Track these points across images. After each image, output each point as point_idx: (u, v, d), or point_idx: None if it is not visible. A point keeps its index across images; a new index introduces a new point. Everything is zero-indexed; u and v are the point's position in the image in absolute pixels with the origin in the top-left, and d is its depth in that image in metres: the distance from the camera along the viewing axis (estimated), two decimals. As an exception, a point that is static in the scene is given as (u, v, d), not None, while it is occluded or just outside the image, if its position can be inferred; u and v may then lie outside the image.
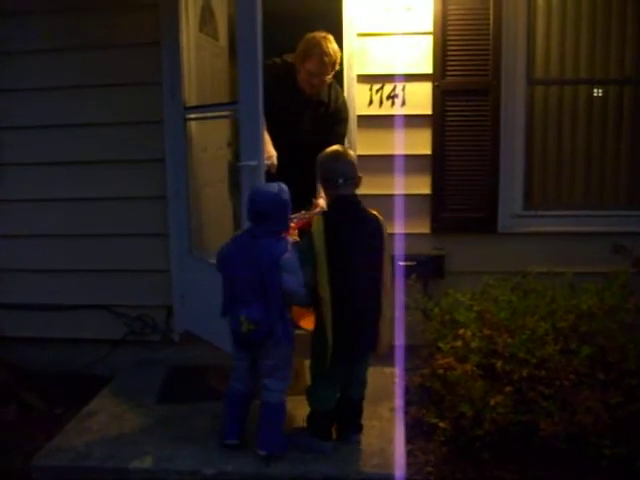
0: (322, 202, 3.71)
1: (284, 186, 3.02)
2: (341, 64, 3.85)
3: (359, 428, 3.27)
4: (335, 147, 3.21)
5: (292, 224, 3.30)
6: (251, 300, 2.96)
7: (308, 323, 3.17)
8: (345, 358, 3.03)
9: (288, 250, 2.96)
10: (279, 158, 3.49)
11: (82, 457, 3.19)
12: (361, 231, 3.04)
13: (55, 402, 3.95)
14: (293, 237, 3.29)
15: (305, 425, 3.23)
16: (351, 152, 3.23)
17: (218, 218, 3.88)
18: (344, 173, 3.04)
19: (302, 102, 3.78)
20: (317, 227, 2.94)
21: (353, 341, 3.03)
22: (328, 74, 3.70)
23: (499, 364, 3.23)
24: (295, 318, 3.21)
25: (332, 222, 2.97)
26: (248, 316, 2.94)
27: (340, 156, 3.12)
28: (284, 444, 3.12)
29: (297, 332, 3.16)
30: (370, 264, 3.03)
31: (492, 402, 3.10)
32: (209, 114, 3.90)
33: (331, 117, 3.82)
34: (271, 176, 3.40)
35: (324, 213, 3.09)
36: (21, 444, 3.46)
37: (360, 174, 3.11)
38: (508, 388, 3.17)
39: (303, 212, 3.54)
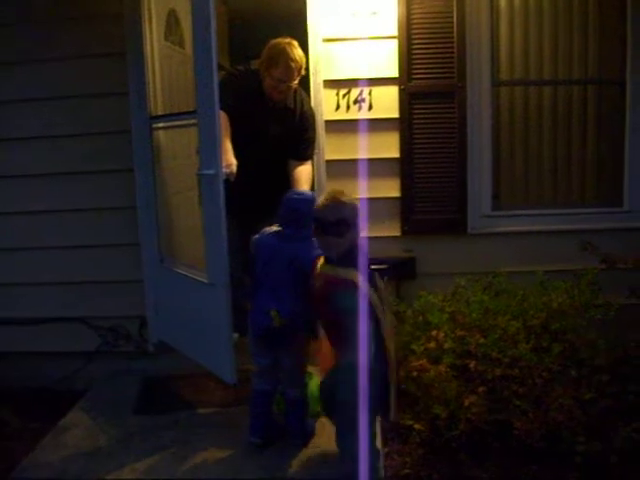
0: None
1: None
2: (307, 69, 3.86)
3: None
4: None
5: None
6: (284, 297, 3.02)
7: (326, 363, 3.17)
8: None
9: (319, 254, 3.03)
10: (247, 166, 3.49)
11: (59, 473, 3.15)
12: None
13: (29, 417, 3.91)
14: None
15: None
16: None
17: (189, 227, 3.86)
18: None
19: (268, 110, 3.78)
20: None
21: None
22: (294, 80, 3.70)
23: (472, 364, 3.25)
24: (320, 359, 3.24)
25: None
26: (280, 311, 2.99)
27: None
28: (312, 429, 3.31)
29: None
30: None
31: (466, 402, 3.12)
32: (175, 123, 3.89)
33: (298, 123, 3.82)
34: (237, 184, 3.40)
35: None
36: (-5, 461, 3.43)
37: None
38: (482, 388, 3.19)
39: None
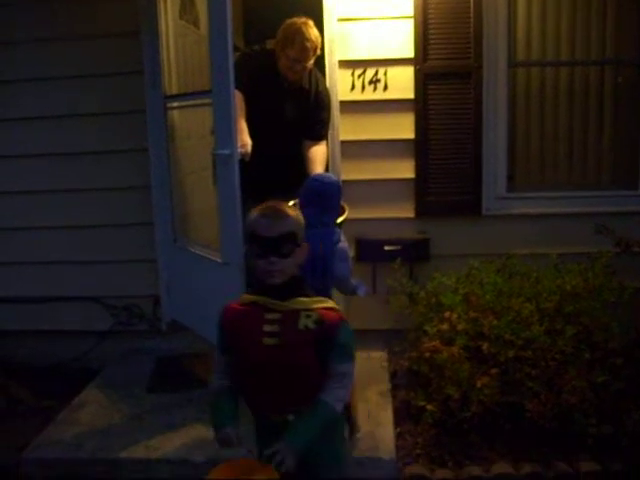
0: None
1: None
2: (322, 50, 3.84)
3: None
4: None
5: None
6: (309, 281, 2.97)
7: None
8: None
9: (341, 240, 3.00)
10: (262, 146, 3.48)
11: (72, 449, 3.20)
12: None
13: (44, 395, 3.95)
14: None
15: None
16: None
17: (202, 206, 3.86)
18: None
19: (283, 90, 3.76)
20: None
21: None
22: (310, 60, 3.68)
23: (485, 346, 3.24)
24: None
25: None
26: None
27: None
28: None
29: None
30: None
31: (479, 384, 3.12)
32: (190, 102, 3.89)
33: (314, 104, 3.81)
34: (251, 164, 3.39)
35: None
36: (10, 438, 3.46)
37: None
38: (494, 370, 3.18)
39: (293, 203, 3.52)
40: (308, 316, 2.10)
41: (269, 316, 2.13)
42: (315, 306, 2.13)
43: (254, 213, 2.19)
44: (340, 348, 2.11)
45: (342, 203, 3.71)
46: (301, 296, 2.15)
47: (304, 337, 2.08)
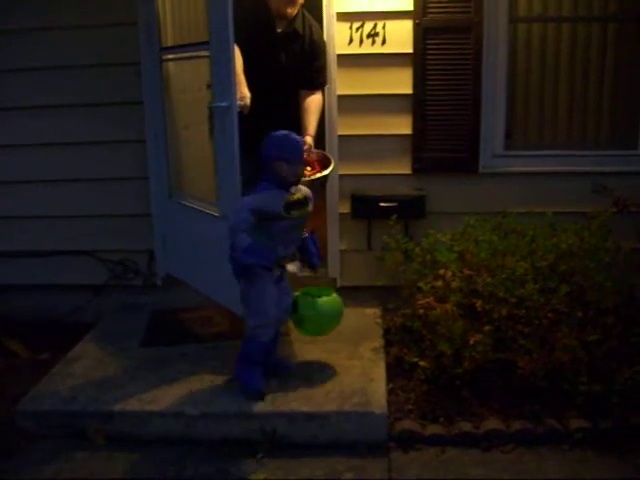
0: (309, 139, 3.69)
1: None
2: (319, 0, 3.78)
3: None
4: None
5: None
6: None
7: None
8: None
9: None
10: (257, 96, 3.44)
11: (67, 401, 3.22)
12: None
13: (40, 349, 3.97)
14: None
15: None
16: None
17: (198, 161, 3.83)
18: None
19: (278, 39, 3.71)
20: None
21: None
22: None
23: (479, 303, 3.25)
24: None
25: None
26: None
27: None
28: None
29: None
30: None
31: (472, 341, 3.13)
32: (186, 54, 3.83)
33: (308, 50, 3.76)
34: (249, 115, 3.35)
35: None
36: (6, 391, 3.48)
37: None
38: (487, 327, 3.19)
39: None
40: None
41: None
42: None
43: None
44: None
45: (328, 155, 3.71)
46: None
47: None
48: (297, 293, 3.37)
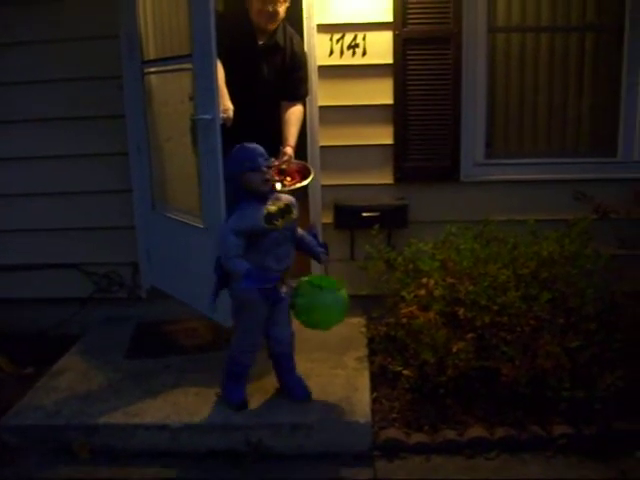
0: (290, 150, 3.71)
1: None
2: (300, 12, 3.80)
3: None
4: None
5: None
6: None
7: None
8: None
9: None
10: (239, 108, 3.45)
11: (51, 415, 3.21)
12: None
13: (24, 362, 3.94)
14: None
15: None
16: None
17: (181, 173, 3.84)
18: None
19: (259, 50, 3.74)
20: None
21: None
22: (281, 3, 3.66)
23: (461, 311, 3.27)
24: None
25: None
26: None
27: None
28: None
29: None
30: None
31: (455, 349, 3.14)
32: (168, 67, 3.84)
33: (289, 62, 3.78)
34: (231, 128, 3.37)
35: None
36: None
37: None
38: (470, 335, 3.21)
39: (272, 159, 3.51)
40: None
41: None
42: None
43: None
44: None
45: (308, 166, 3.72)
46: None
47: None
48: (304, 279, 3.24)
